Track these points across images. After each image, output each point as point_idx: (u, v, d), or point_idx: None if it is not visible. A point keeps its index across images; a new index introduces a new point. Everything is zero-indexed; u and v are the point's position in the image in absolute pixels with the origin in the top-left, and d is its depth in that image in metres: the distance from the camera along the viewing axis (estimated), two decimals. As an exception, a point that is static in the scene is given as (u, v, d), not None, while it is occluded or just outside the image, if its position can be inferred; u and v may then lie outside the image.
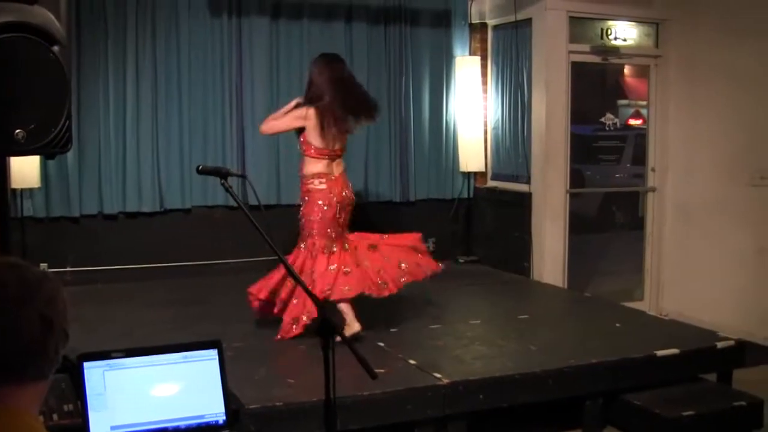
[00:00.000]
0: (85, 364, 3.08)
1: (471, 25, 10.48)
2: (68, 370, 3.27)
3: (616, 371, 6.20)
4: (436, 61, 10.37)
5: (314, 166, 6.72)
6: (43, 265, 8.41)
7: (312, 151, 6.69)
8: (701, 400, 6.16)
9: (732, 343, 6.69)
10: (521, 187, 9.79)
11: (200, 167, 4.16)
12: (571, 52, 9.58)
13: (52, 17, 3.99)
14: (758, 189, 8.76)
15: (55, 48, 3.99)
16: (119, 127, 8.90)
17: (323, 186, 6.69)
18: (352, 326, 6.53)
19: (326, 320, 3.31)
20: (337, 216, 6.70)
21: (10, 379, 1.97)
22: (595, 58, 9.89)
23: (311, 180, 6.70)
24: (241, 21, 9.33)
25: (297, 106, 6.79)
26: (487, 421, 5.86)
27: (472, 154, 10.31)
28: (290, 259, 6.54)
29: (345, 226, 6.84)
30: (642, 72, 10.43)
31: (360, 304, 6.70)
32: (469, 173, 10.49)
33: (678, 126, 9.88)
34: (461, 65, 10.34)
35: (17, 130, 3.87)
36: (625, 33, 9.95)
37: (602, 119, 10.22)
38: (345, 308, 6.56)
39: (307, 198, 6.74)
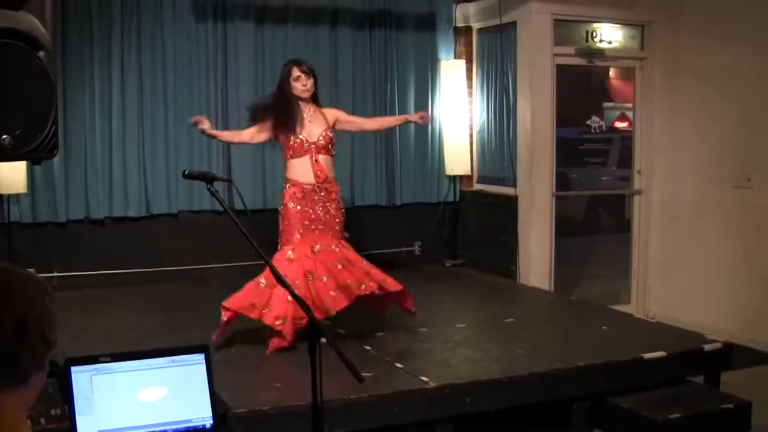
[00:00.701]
0: (73, 369, 3.08)
1: (456, 28, 10.51)
2: (56, 375, 3.26)
3: (603, 374, 6.21)
4: (422, 64, 10.39)
5: None
6: (30, 271, 8.39)
7: None
8: (688, 402, 6.16)
9: (719, 345, 6.70)
10: (507, 191, 9.81)
11: (186, 172, 4.15)
12: (556, 54, 9.59)
13: (38, 22, 3.98)
14: (743, 191, 8.79)
15: (41, 53, 3.99)
16: (105, 132, 8.89)
17: None
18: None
19: (313, 324, 3.32)
20: None
21: None
22: (581, 61, 9.89)
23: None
24: (226, 26, 9.32)
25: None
26: (474, 424, 5.86)
27: (458, 157, 10.34)
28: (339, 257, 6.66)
29: None
30: (627, 74, 10.45)
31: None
32: (455, 177, 10.52)
33: (664, 128, 9.90)
34: (446, 69, 10.36)
35: (3, 136, 3.86)
36: (610, 35, 9.97)
37: (588, 122, 10.22)
38: None
39: (340, 199, 6.99)
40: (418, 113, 7.56)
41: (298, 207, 6.74)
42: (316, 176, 6.73)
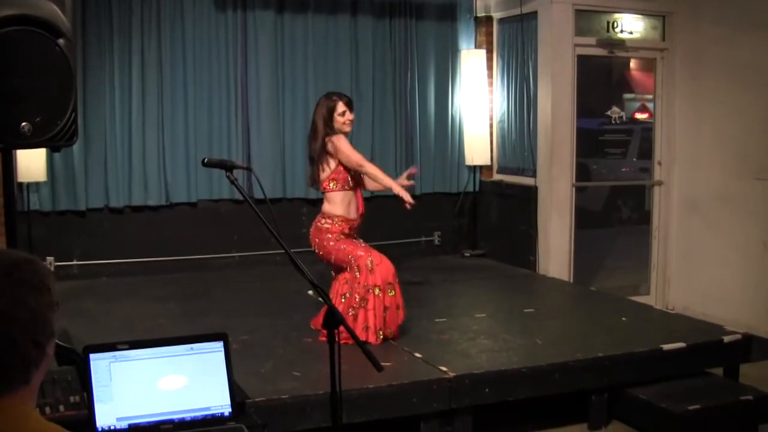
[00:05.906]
0: (92, 356, 3.09)
1: (476, 18, 10.47)
2: (75, 362, 3.27)
3: (622, 365, 6.19)
4: (442, 54, 10.36)
5: None
6: (50, 259, 8.45)
7: None
8: (707, 394, 6.14)
9: (739, 337, 6.67)
10: (527, 181, 9.78)
11: (206, 160, 4.14)
12: (577, 45, 9.53)
13: (58, 10, 3.99)
14: (765, 183, 8.72)
15: (61, 41, 4.00)
16: (125, 120, 8.89)
17: None
18: None
19: (331, 313, 3.31)
20: None
21: None
22: (602, 51, 9.82)
23: None
24: (246, 14, 9.31)
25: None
26: (492, 414, 5.86)
27: (478, 147, 10.31)
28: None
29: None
30: (648, 65, 10.39)
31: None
32: (474, 167, 10.49)
33: (684, 119, 9.84)
34: (467, 58, 10.33)
35: (23, 123, 3.87)
36: (631, 26, 9.91)
37: (608, 113, 10.18)
38: None
39: None
40: (404, 175, 7.14)
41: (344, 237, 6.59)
42: (357, 210, 6.70)
